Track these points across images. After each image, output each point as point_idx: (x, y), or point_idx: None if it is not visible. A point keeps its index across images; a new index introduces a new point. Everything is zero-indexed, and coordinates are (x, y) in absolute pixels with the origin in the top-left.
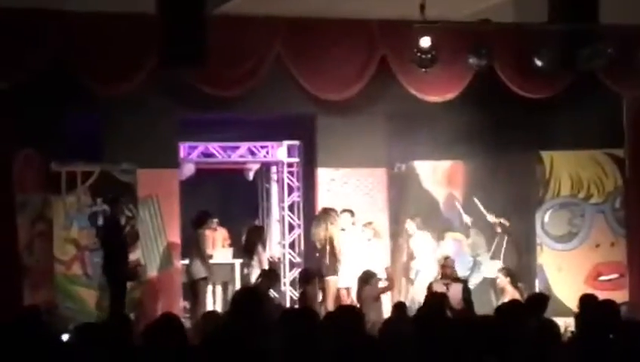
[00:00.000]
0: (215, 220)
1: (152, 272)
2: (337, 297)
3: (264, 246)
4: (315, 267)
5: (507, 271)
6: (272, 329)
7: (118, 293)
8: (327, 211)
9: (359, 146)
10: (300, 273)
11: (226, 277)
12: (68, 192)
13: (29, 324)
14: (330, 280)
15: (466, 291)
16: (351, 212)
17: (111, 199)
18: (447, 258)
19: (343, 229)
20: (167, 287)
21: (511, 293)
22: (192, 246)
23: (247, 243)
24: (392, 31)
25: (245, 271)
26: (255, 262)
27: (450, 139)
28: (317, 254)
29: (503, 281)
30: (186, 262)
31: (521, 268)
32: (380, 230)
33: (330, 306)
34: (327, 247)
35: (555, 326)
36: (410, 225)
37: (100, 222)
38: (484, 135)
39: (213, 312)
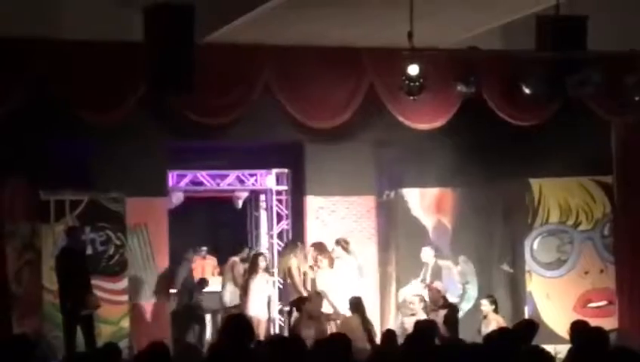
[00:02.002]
0: (204, 249)
1: (141, 301)
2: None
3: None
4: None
5: (492, 299)
6: (261, 356)
7: (71, 325)
8: (294, 243)
9: (348, 174)
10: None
11: (215, 306)
12: (56, 221)
13: (18, 354)
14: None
15: (453, 316)
16: (345, 241)
17: (67, 229)
18: (429, 284)
19: (337, 257)
20: (155, 316)
21: (494, 320)
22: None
23: None
24: (380, 59)
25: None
26: None
27: (439, 166)
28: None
29: (488, 308)
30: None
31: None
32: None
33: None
34: (288, 279)
35: (545, 353)
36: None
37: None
38: (473, 162)
39: (189, 343)
